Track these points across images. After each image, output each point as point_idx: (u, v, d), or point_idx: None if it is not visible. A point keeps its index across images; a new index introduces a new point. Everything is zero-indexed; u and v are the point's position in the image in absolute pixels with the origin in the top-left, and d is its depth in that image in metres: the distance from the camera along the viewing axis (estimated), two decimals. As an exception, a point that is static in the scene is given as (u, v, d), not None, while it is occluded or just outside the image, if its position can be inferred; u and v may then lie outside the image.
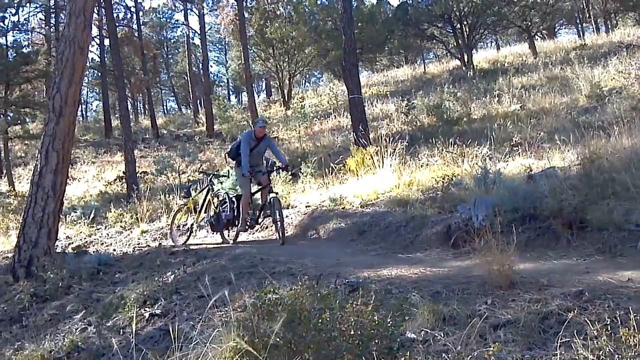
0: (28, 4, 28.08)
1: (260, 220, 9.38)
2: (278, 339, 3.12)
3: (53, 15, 30.29)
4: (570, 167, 7.71)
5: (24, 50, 24.32)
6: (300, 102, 26.52)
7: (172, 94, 53.03)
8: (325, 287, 3.96)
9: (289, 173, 9.50)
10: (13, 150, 25.88)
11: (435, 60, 40.91)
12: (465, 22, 28.29)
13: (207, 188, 10.07)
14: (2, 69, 20.17)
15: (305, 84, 48.69)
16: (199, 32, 34.33)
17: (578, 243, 5.81)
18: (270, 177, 9.64)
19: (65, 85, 8.85)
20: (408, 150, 11.73)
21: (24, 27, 29.20)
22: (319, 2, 30.78)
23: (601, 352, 2.67)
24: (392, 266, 6.04)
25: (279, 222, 8.67)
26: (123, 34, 29.36)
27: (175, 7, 39.25)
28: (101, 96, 35.52)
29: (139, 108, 48.50)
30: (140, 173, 18.97)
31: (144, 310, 5.94)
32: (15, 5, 24.74)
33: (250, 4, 31.09)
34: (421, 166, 10.72)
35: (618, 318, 3.16)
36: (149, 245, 10.26)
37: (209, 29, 42.94)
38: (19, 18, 28.34)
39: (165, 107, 56.93)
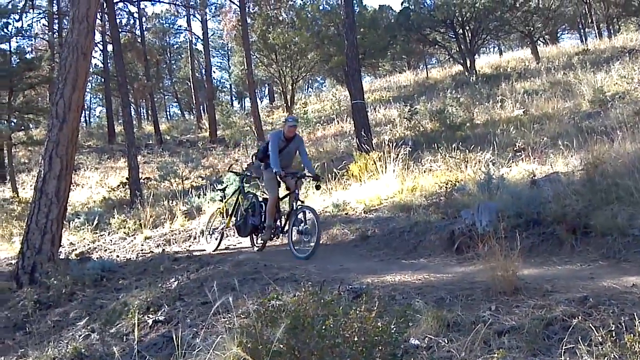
0: (31, 10, 28.16)
1: (286, 229, 8.45)
2: (281, 346, 3.11)
3: (56, 21, 30.34)
4: (573, 173, 7.71)
5: (28, 56, 24.37)
6: (303, 107, 26.58)
7: (175, 100, 53.09)
8: (328, 293, 3.96)
9: (316, 184, 8.56)
10: (17, 156, 25.91)
11: (438, 65, 40.95)
12: (467, 28, 28.30)
13: (239, 189, 9.56)
14: (6, 75, 20.17)
15: (308, 89, 48.78)
16: (201, 38, 34.41)
17: (582, 248, 5.81)
18: (298, 184, 8.70)
19: (69, 91, 8.86)
20: (411, 156, 11.74)
21: (28, 33, 29.13)
22: (321, 8, 30.79)
23: (606, 358, 2.67)
24: (396, 272, 6.03)
25: (306, 236, 7.94)
26: (126, 40, 29.45)
27: (178, 13, 39.15)
28: (104, 102, 35.72)
29: (142, 114, 48.59)
30: (144, 179, 18.99)
31: (148, 316, 5.92)
32: (19, 11, 24.77)
33: (252, 9, 31.11)
34: (424, 172, 10.72)
35: (623, 324, 3.15)
36: (152, 252, 10.25)
37: (212, 35, 43.01)
38: (22, 24, 28.27)
39: (168, 113, 57.02)
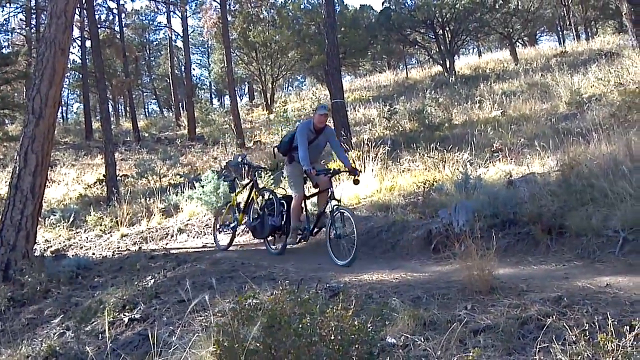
0: (8, 4, 27.77)
1: (315, 231, 7.67)
2: (257, 344, 3.10)
3: (34, 16, 29.98)
4: (549, 173, 7.78)
5: (4, 51, 24.11)
6: (283, 106, 26.42)
7: (154, 97, 52.74)
8: (306, 291, 3.96)
9: (355, 179, 7.53)
10: (-8, 152, 25.56)
11: (418, 65, 41.15)
12: (447, 28, 28.50)
13: (252, 183, 8.71)
14: (-19, 70, 19.90)
15: (288, 88, 48.72)
16: (181, 35, 34.15)
17: (557, 249, 5.87)
18: (332, 180, 7.66)
19: (46, 86, 8.75)
20: (390, 155, 11.77)
21: (4, 28, 28.89)
22: (302, 7, 30.83)
23: (579, 357, 2.69)
24: (373, 271, 6.06)
25: (344, 240, 6.94)
26: (105, 36, 29.21)
27: (158, 9, 38.91)
28: (82, 98, 35.28)
29: (120, 110, 48.22)
30: (121, 176, 18.82)
31: (123, 314, 5.88)
32: (-5, 5, 24.47)
33: (233, 7, 30.99)
34: (403, 171, 10.75)
35: (596, 323, 3.19)
36: (129, 249, 10.18)
37: (192, 32, 42.76)
38: (-1, 18, 28.05)
39: (146, 110, 56.61)
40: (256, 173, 8.95)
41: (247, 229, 8.90)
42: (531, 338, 3.41)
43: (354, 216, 7.02)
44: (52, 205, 15.86)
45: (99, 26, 24.46)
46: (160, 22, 46.92)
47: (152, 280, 6.83)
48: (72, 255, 9.84)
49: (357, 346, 3.07)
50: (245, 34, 30.00)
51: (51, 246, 11.46)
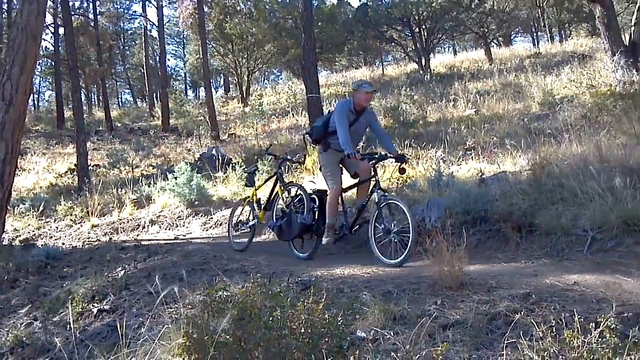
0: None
1: (355, 228, 6.74)
2: (227, 336, 3.10)
3: (5, 1, 29.40)
4: (521, 172, 7.88)
5: (-26, 35, 23.55)
6: (259, 99, 26.39)
7: (128, 87, 52.19)
8: (277, 285, 3.96)
9: (401, 167, 6.60)
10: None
11: (394, 62, 41.33)
12: (423, 27, 28.62)
13: (276, 176, 7.76)
14: (-50, 54, 19.44)
15: (264, 81, 48.61)
16: (156, 25, 33.84)
17: (527, 246, 5.95)
18: (377, 168, 6.77)
19: (17, 73, 8.59)
20: (364, 151, 11.79)
21: (-25, 13, 28.24)
22: (279, 0, 30.69)
23: (546, 353, 2.73)
24: (346, 265, 6.07)
25: (396, 236, 6.04)
26: (78, 23, 28.73)
27: (134, -2, 38.55)
28: (54, 86, 34.70)
29: (93, 99, 47.56)
30: (93, 166, 18.63)
31: (92, 305, 5.84)
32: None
33: (210, -2, 30.79)
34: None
35: (563, 320, 3.24)
36: (99, 240, 10.08)
37: (167, 22, 42.39)
38: (-31, 3, 27.38)
39: (120, 100, 55.97)
40: (280, 164, 7.88)
41: (271, 229, 7.71)
42: (499, 334, 3.45)
43: (408, 207, 6.13)
44: (22, 194, 15.64)
45: (72, 13, 24.13)
46: (135, 11, 46.41)
47: (122, 272, 6.78)
48: (42, 245, 9.68)
49: (326, 339, 3.08)
50: (221, 25, 29.79)
51: (20, 235, 11.29)
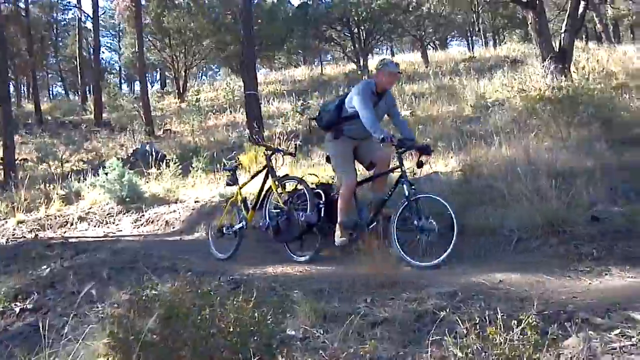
0: None
1: (372, 225, 5.99)
2: (154, 336, 3.04)
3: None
4: (452, 173, 8.03)
5: None
6: (196, 95, 26.06)
7: (60, 79, 50.50)
8: (208, 283, 3.91)
9: (420, 160, 5.97)
10: None
11: (333, 62, 41.53)
12: (362, 27, 28.92)
13: (266, 170, 6.98)
14: None
15: (202, 77, 47.99)
16: (91, 16, 32.78)
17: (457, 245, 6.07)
18: (403, 158, 6.02)
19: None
20: (301, 150, 11.80)
21: None
22: (219, -5, 30.37)
23: (469, 349, 2.78)
24: (279, 264, 6.07)
25: (425, 235, 5.50)
26: (9, 12, 27.62)
27: (68, -13, 37.33)
28: (-20, 76, 33.20)
29: (22, 91, 45.79)
30: (20, 160, 17.97)
31: (15, 304, 5.61)
32: None
33: (147, -10, 30.14)
34: (313, 165, 10.81)
35: (487, 317, 3.32)
36: (25, 237, 9.72)
37: (103, 14, 41.27)
38: None
39: (51, 92, 54.16)
40: (270, 158, 7.01)
41: (264, 230, 6.70)
42: (426, 331, 3.50)
43: (449, 203, 5.53)
44: (-58, 188, 14.88)
45: (2, 1, 23.19)
46: (69, 2, 44.85)
47: (48, 270, 6.55)
48: (-38, 242, 9.29)
49: (255, 338, 3.06)
50: (159, 19, 29.22)
51: (-62, 231, 10.76)
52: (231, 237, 7.05)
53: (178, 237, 8.35)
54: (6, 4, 27.22)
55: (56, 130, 24.94)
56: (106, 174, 10.61)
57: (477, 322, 3.20)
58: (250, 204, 7.09)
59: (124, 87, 51.75)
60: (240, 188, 7.29)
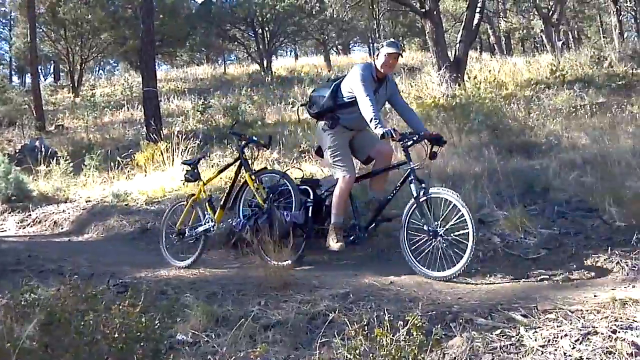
0: None
1: (372, 227, 5.52)
2: (34, 343, 2.88)
3: None
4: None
5: None
6: (91, 90, 25.10)
7: (-58, 68, 47.13)
8: (94, 287, 3.76)
9: (432, 152, 5.20)
10: None
11: (236, 62, 41.27)
12: (266, 28, 28.94)
13: (239, 162, 6.15)
14: None
15: (98, 71, 46.20)
16: (-21, 2, 30.92)
17: (350, 247, 6.16)
18: (410, 151, 5.23)
19: None
20: (201, 149, 11.63)
21: None
22: (118, -13, 29.42)
23: (357, 351, 2.82)
24: (172, 266, 5.94)
25: (437, 240, 4.86)
26: None
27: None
28: None
29: None
30: None
31: None
32: None
33: (42, -22, 28.69)
34: (212, 166, 10.67)
35: (375, 319, 3.40)
36: None
37: (-8, 1, 38.89)
38: None
39: None
40: (244, 146, 6.16)
41: (237, 230, 5.91)
42: (317, 333, 3.53)
43: (464, 204, 4.78)
44: None
45: None
46: (-46, -13, 41.98)
47: None
48: None
49: (142, 344, 2.97)
50: (54, 9, 27.89)
51: None
52: (192, 241, 6.26)
53: (67, 238, 7.97)
54: None
55: None
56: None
57: (366, 323, 3.26)
58: (221, 202, 6.26)
59: (15, 79, 48.88)
60: (205, 184, 6.46)
